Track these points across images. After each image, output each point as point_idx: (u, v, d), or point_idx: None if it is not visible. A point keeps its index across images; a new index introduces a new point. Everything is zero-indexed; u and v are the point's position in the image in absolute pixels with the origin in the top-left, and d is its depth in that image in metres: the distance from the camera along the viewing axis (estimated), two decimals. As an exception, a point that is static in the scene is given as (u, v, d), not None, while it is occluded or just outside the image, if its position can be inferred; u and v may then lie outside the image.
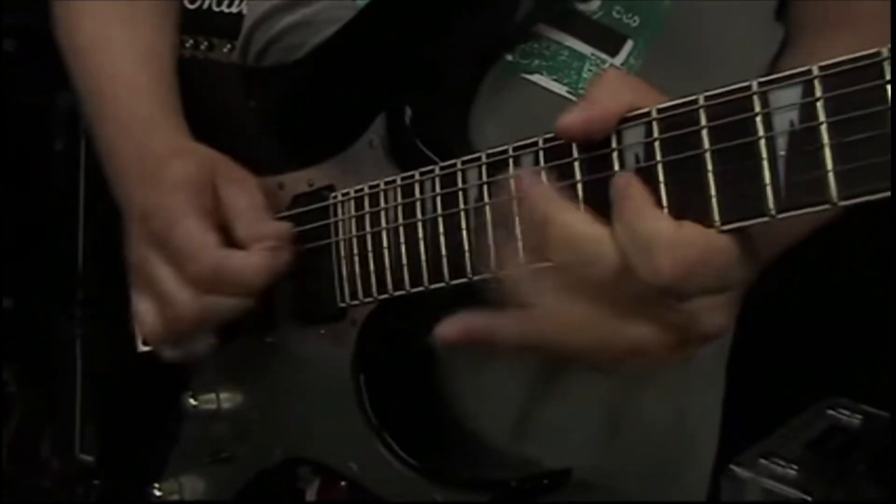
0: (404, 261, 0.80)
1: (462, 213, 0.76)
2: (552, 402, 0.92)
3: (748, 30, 0.93)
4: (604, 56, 0.88)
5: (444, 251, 0.77)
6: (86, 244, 1.76)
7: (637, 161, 0.67)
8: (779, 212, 0.61)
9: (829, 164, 0.59)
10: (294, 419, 0.91)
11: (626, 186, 0.65)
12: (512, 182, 0.71)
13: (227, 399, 0.96)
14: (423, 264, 0.79)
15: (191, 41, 1.63)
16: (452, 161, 0.77)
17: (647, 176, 0.66)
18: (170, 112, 0.94)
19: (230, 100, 0.99)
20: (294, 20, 0.96)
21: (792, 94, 0.61)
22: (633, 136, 0.67)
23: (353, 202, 0.84)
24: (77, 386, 1.91)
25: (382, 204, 0.82)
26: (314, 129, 0.91)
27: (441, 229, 0.77)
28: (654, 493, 0.95)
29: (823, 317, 1.74)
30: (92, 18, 1.01)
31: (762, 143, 0.62)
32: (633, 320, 0.67)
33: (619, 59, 0.88)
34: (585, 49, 0.87)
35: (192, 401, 0.96)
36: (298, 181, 0.90)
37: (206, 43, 1.67)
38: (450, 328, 0.71)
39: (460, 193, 0.76)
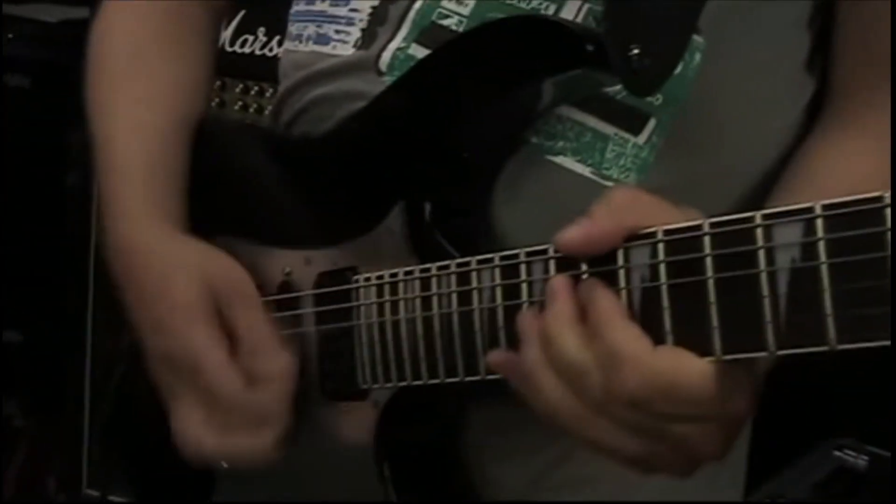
0: (422, 353, 0.81)
1: (476, 312, 0.76)
2: (571, 470, 0.93)
3: (776, 89, 0.92)
4: (627, 136, 0.87)
5: (458, 348, 0.78)
6: (97, 281, 1.79)
7: (642, 281, 0.67)
8: (778, 349, 0.61)
9: (829, 309, 0.59)
10: (319, 487, 0.93)
11: (586, 293, 0.68)
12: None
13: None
14: (440, 358, 0.79)
15: (241, 86, 1.65)
16: (468, 259, 0.77)
17: (651, 299, 0.66)
18: (162, 197, 0.96)
19: (260, 166, 1.00)
20: (321, 93, 0.96)
21: (794, 231, 0.60)
22: (639, 256, 0.67)
23: (374, 288, 0.85)
24: (85, 420, 1.94)
25: (401, 294, 0.83)
26: (338, 207, 0.92)
27: (456, 326, 0.78)
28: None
29: (829, 357, 1.73)
30: (122, 53, 1.04)
31: (763, 277, 0.61)
32: (626, 432, 0.68)
33: (642, 138, 0.87)
34: (608, 129, 0.87)
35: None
36: (324, 258, 0.91)
37: (256, 88, 1.68)
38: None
39: (475, 293, 0.77)
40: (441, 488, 0.90)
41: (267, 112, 1.66)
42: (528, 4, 0.87)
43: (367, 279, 0.86)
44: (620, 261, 0.68)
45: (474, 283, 0.77)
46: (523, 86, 0.82)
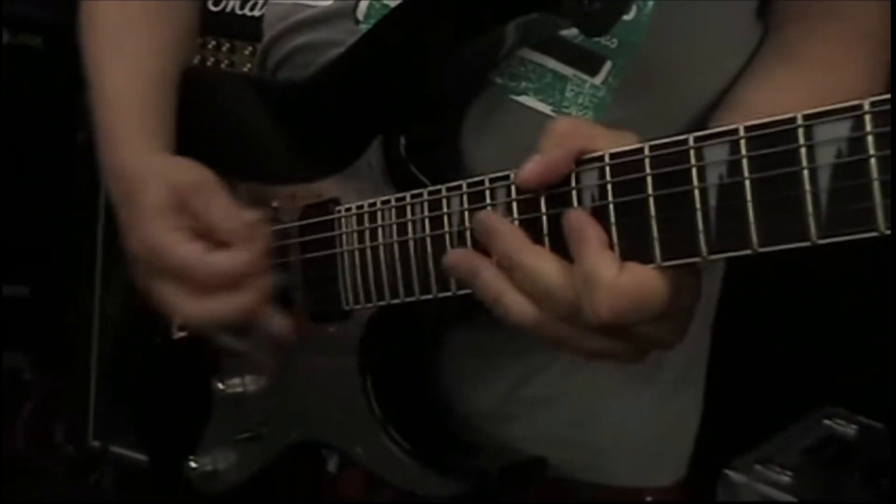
0: (398, 273, 0.89)
1: (447, 236, 0.85)
2: (533, 389, 1.02)
3: (726, 35, 0.99)
4: (585, 76, 0.95)
5: (431, 267, 0.86)
6: (106, 235, 1.84)
7: (592, 200, 0.75)
8: (709, 254, 0.70)
9: (752, 218, 0.67)
10: (309, 405, 1.01)
11: (576, 223, 0.74)
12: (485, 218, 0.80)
13: (251, 383, 1.07)
14: (415, 278, 0.88)
15: (213, 42, 1.71)
16: (438, 187, 0.85)
17: (600, 215, 0.74)
18: (154, 128, 1.04)
19: (248, 110, 1.07)
20: (304, 41, 1.04)
21: (721, 151, 0.69)
22: (589, 178, 0.75)
23: (354, 217, 0.93)
24: (91, 373, 1.99)
25: (379, 221, 0.91)
26: (321, 145, 1.00)
27: (429, 248, 0.86)
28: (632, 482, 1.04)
29: (822, 328, 1.78)
30: (110, 20, 1.11)
31: (696, 193, 0.70)
32: (592, 335, 0.76)
33: (598, 79, 0.95)
34: (567, 71, 0.95)
35: (220, 385, 1.06)
36: (309, 192, 0.99)
37: (227, 45, 1.75)
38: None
39: (445, 217, 0.85)
40: (418, 401, 0.98)
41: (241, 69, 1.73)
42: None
43: (349, 209, 0.94)
44: (573, 183, 0.76)
45: (444, 209, 0.85)
46: (486, 29, 0.90)
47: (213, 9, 1.77)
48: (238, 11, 1.78)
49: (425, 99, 0.93)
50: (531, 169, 0.77)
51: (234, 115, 1.09)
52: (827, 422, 1.70)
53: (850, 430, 1.68)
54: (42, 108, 2.10)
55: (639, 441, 1.05)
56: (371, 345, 0.95)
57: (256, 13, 1.76)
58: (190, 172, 0.98)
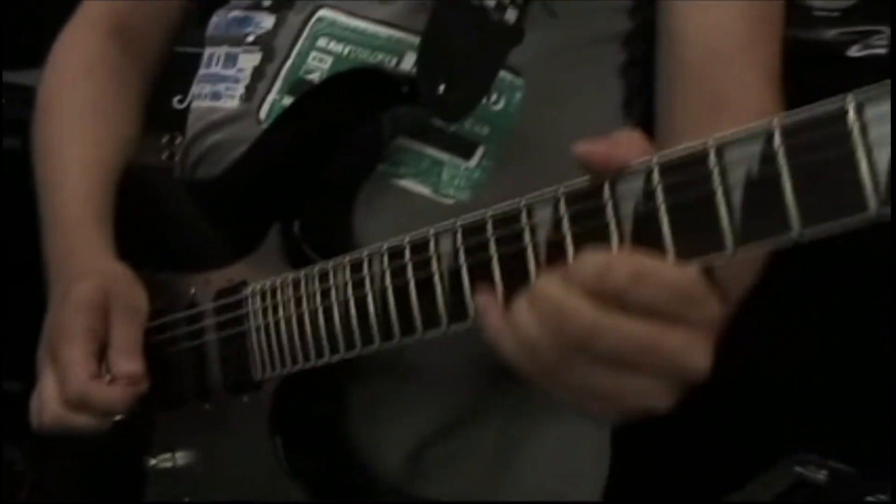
0: (297, 342, 1.00)
1: (335, 305, 0.95)
2: (445, 437, 1.10)
3: (593, 126, 1.09)
4: (459, 160, 1.07)
5: (323, 334, 0.97)
6: None
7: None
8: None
9: (669, 244, 0.72)
10: (234, 470, 1.11)
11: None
12: None
13: (181, 457, 1.16)
14: (311, 345, 0.98)
15: (180, 139, 1.82)
16: (325, 262, 0.97)
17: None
18: (94, 226, 1.15)
19: (168, 204, 1.19)
20: (218, 139, 1.16)
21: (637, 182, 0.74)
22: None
23: (259, 296, 1.04)
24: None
25: (279, 297, 1.02)
26: (229, 233, 1.11)
27: (320, 319, 0.97)
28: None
29: (791, 371, 1.78)
30: (56, 115, 1.23)
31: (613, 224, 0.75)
32: (605, 367, 0.70)
33: (473, 162, 1.07)
34: (443, 156, 1.07)
35: (152, 460, 1.16)
36: (221, 277, 1.10)
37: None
38: None
39: (332, 289, 0.96)
40: (327, 457, 1.07)
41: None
42: (373, 58, 1.07)
43: (254, 290, 1.05)
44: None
45: (331, 282, 0.96)
46: (363, 121, 1.02)
47: (177, 107, 1.87)
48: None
49: (316, 185, 1.04)
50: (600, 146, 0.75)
51: (156, 211, 1.21)
52: (798, 468, 1.67)
53: (821, 475, 1.66)
54: (24, 208, 2.17)
55: (548, 490, 1.13)
56: (279, 408, 1.05)
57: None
58: (124, 283, 1.09)
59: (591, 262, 0.70)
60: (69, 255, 1.13)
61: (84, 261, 1.11)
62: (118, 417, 1.05)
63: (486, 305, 0.77)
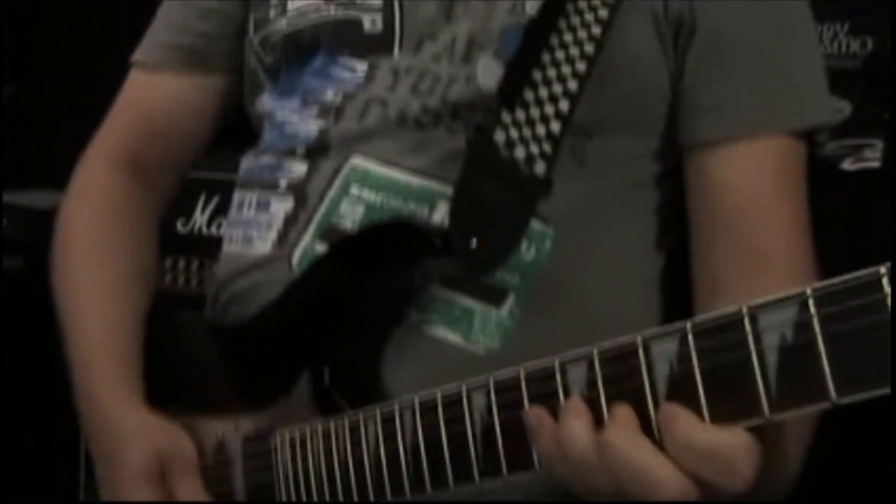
0: (327, 494, 0.99)
1: (366, 457, 0.95)
2: None
3: (624, 270, 1.12)
4: (490, 308, 1.07)
5: (353, 485, 0.96)
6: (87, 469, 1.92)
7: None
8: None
9: (704, 408, 0.74)
10: None
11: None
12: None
13: None
14: (340, 496, 0.98)
15: (183, 262, 1.82)
16: (355, 412, 0.97)
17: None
18: (129, 376, 1.16)
19: (197, 351, 1.20)
20: (249, 283, 1.17)
21: (672, 345, 0.75)
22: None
23: (287, 445, 1.04)
24: None
25: (308, 447, 1.01)
26: (259, 380, 1.11)
27: (351, 471, 0.97)
28: None
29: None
30: (72, 287, 1.24)
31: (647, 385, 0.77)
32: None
33: (504, 310, 1.07)
34: (474, 304, 1.07)
35: None
36: (249, 423, 1.10)
37: (197, 262, 1.85)
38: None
39: (363, 441, 0.95)
40: None
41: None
42: (406, 206, 1.09)
43: (283, 438, 1.05)
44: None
45: (362, 434, 0.96)
46: (396, 272, 1.03)
47: (181, 230, 1.88)
48: (205, 231, 1.88)
49: (346, 333, 1.05)
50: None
51: (186, 355, 1.21)
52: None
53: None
54: (25, 328, 2.17)
55: None
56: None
57: (223, 232, 1.83)
58: (175, 442, 1.10)
59: None
60: (104, 409, 1.13)
61: (122, 418, 1.12)
62: None
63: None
